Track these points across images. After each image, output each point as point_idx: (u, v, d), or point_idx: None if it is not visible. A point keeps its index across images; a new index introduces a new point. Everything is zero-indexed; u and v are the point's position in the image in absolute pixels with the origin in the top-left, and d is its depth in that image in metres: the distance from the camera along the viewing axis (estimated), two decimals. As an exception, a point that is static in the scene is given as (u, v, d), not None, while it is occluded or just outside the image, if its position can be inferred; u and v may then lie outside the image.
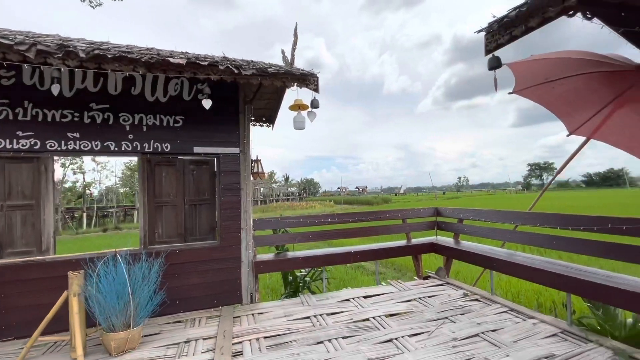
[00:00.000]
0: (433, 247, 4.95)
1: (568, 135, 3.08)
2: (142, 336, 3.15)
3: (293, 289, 4.71)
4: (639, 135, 2.88)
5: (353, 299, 4.18)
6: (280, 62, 3.75)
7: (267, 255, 4.49)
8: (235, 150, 4.07)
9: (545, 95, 2.85)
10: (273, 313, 3.80)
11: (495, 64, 2.63)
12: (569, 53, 2.98)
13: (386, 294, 4.34)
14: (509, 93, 2.95)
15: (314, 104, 3.46)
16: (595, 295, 2.78)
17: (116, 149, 3.54)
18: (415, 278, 5.20)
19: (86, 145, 3.43)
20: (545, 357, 2.66)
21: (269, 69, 3.19)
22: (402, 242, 5.21)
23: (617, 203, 24.49)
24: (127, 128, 3.60)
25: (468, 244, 4.72)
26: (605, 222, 3.12)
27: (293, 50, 3.96)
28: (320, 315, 3.68)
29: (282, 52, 4.00)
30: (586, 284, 2.80)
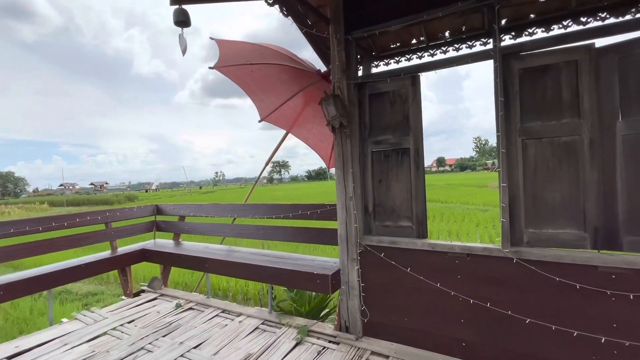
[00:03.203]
0: (144, 255, 3.99)
1: (260, 121, 3.17)
2: None
3: None
4: (316, 133, 3.40)
5: (-17, 368, 2.49)
6: None
7: None
8: None
9: (244, 77, 2.70)
10: None
11: (181, 19, 2.05)
12: (271, 45, 2.98)
13: (59, 338, 2.93)
14: (210, 67, 2.56)
15: None
16: (285, 282, 2.90)
17: None
18: (123, 297, 4.04)
19: None
20: (243, 361, 2.44)
21: None
22: (105, 254, 3.88)
23: (321, 192, 33.61)
24: None
25: (188, 245, 4.13)
26: (297, 209, 3.42)
27: None
28: None
29: None
30: (280, 272, 2.86)
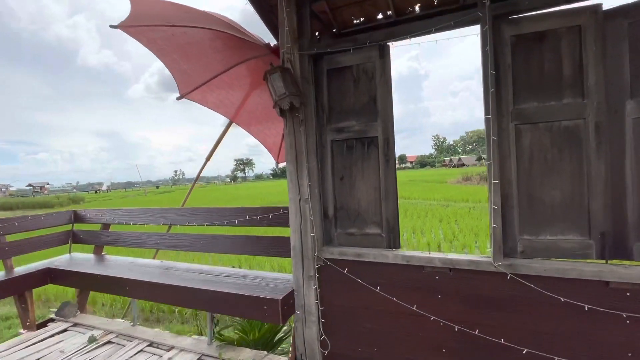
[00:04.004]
0: (50, 276, 3.15)
1: (179, 98, 2.50)
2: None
3: None
4: (261, 117, 2.81)
5: None
6: None
7: None
8: None
9: (161, 41, 2.05)
10: None
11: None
12: (208, 11, 2.33)
13: None
14: (112, 26, 1.87)
15: None
16: (223, 308, 2.29)
17: None
18: (21, 331, 3.17)
19: None
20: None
21: None
22: (-6, 277, 2.99)
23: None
24: None
25: (110, 261, 3.35)
26: (244, 214, 2.81)
27: None
28: None
29: None
30: (217, 297, 2.24)
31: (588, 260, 1.62)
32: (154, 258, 3.48)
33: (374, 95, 2.02)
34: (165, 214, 3.28)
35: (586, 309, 1.53)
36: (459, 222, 11.65)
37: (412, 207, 15.68)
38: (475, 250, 8.08)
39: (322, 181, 2.17)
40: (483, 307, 1.73)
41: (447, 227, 10.97)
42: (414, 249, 8.60)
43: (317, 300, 2.11)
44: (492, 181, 1.67)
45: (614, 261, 1.59)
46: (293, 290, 2.18)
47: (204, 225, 3.01)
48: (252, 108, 2.81)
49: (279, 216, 2.61)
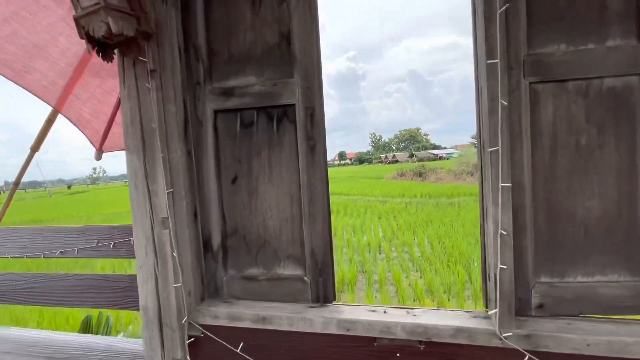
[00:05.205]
0: None
1: None
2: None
3: None
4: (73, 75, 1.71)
5: None
6: None
7: None
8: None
9: None
10: None
11: None
12: None
13: None
14: None
15: None
16: None
17: None
18: None
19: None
20: None
21: None
22: None
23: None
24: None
25: None
26: (91, 237, 1.71)
27: None
28: None
29: None
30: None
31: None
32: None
33: (287, 31, 1.13)
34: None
35: (660, 414, 0.85)
36: (397, 218, 11.58)
37: (352, 204, 15.42)
38: (414, 249, 7.83)
39: (199, 185, 1.22)
40: (479, 410, 0.97)
41: (386, 223, 10.77)
42: (354, 250, 8.03)
43: (189, 402, 1.16)
44: (501, 184, 0.90)
45: (682, 316, 0.96)
46: (148, 383, 1.20)
47: (21, 257, 1.82)
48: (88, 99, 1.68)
49: (145, 241, 1.58)
